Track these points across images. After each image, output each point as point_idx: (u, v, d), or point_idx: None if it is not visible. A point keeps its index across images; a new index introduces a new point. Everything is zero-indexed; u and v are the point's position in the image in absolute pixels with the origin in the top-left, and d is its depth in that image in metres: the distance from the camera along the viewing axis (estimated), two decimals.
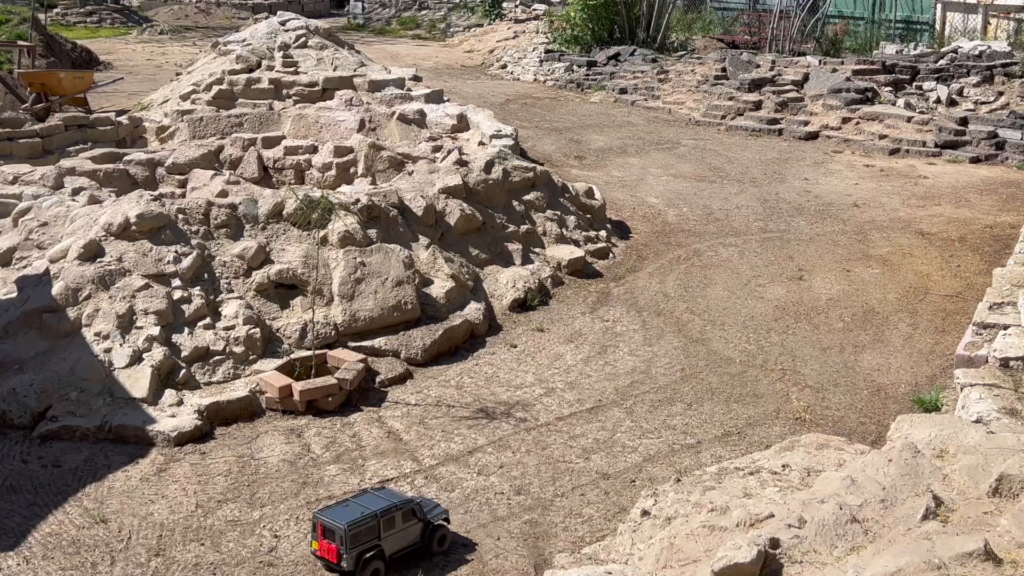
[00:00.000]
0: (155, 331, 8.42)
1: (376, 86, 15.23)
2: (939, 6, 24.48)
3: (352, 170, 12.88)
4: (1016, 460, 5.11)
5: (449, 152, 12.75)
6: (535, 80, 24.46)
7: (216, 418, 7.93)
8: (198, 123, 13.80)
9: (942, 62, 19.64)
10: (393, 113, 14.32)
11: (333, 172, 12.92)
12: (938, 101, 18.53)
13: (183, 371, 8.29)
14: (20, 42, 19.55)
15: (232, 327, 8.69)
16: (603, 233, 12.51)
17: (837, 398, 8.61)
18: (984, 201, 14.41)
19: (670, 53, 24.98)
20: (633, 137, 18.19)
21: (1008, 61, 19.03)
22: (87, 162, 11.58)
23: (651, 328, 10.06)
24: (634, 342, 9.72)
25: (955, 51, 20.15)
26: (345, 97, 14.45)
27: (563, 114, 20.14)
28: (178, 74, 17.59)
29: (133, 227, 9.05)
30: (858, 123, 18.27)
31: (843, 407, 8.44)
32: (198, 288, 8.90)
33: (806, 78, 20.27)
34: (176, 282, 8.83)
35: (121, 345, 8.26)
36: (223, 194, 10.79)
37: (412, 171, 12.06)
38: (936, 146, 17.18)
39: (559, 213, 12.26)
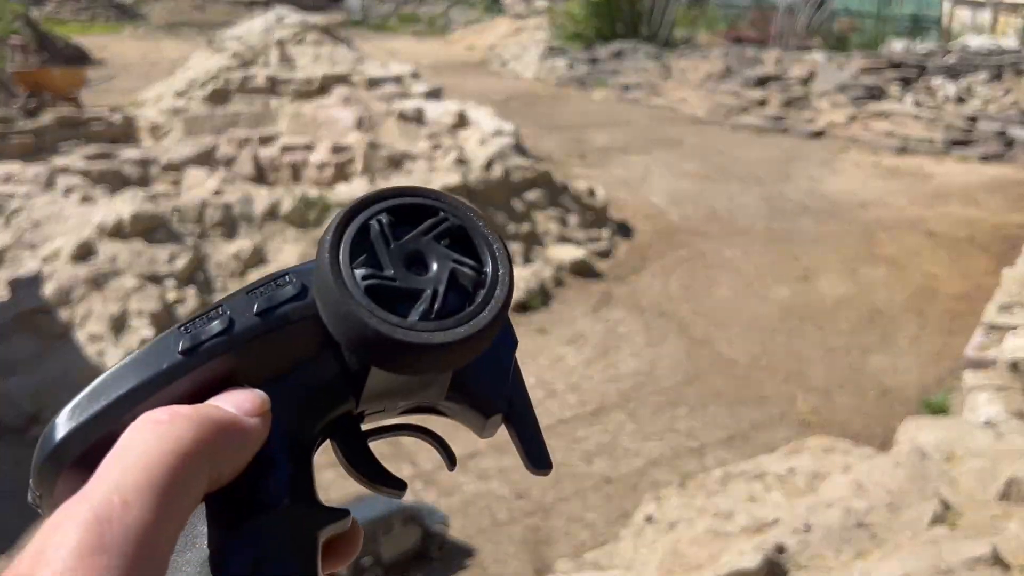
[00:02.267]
0: (149, 332, 8.30)
1: (374, 83, 15.10)
2: (947, 2, 24.32)
3: (350, 168, 12.75)
4: None
5: (449, 150, 12.62)
6: (536, 77, 24.31)
7: None
8: (192, 121, 13.68)
9: (950, 59, 19.47)
10: (392, 110, 14.17)
11: (330, 171, 12.79)
12: (946, 98, 18.36)
13: None
14: (12, 39, 19.44)
15: None
16: (605, 233, 12.38)
17: (843, 400, 8.47)
18: (993, 200, 14.26)
19: (674, 49, 24.83)
20: (636, 135, 18.05)
21: (1017, 58, 18.85)
22: (79, 160, 11.44)
23: (654, 329, 9.92)
24: (637, 344, 9.58)
25: (963, 48, 19.97)
26: (342, 94, 14.32)
27: (565, 112, 20.01)
28: (172, 71, 17.47)
29: (126, 227, 8.92)
30: (865, 121, 18.10)
31: (849, 410, 8.30)
32: (192, 288, 8.78)
33: (812, 75, 20.11)
34: (170, 282, 8.71)
35: (115, 346, 8.15)
36: (218, 193, 10.66)
37: (411, 170, 11.92)
38: (944, 144, 17.02)
39: (560, 212, 12.13)
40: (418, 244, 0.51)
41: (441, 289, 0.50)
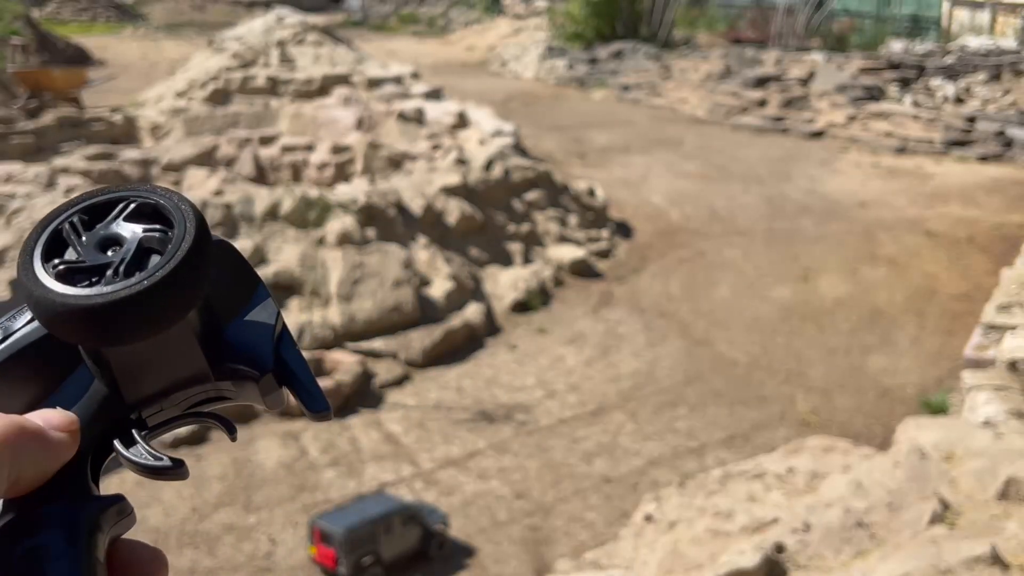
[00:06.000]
0: None
1: (374, 83, 15.10)
2: (946, 2, 24.32)
3: (350, 168, 12.76)
4: None
5: (449, 150, 12.62)
6: (536, 77, 24.28)
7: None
8: (193, 121, 13.68)
9: (949, 59, 19.48)
10: (392, 111, 14.18)
11: (330, 171, 12.79)
12: (945, 99, 18.36)
13: None
14: (13, 39, 19.43)
15: None
16: (605, 233, 12.38)
17: (843, 401, 8.47)
18: (992, 200, 14.25)
19: (673, 50, 24.83)
20: (636, 135, 18.04)
21: (1016, 59, 18.86)
22: (80, 161, 11.46)
23: (654, 330, 9.92)
24: (637, 344, 9.58)
25: (962, 48, 19.98)
26: (343, 94, 14.33)
27: (564, 112, 19.99)
28: (173, 71, 17.46)
29: None
30: (864, 121, 18.11)
31: (849, 410, 8.31)
32: None
33: (812, 75, 20.12)
34: None
35: None
36: (218, 193, 10.67)
37: (411, 169, 11.93)
38: (943, 144, 17.02)
39: (560, 212, 12.13)
40: (109, 230, 0.54)
41: (128, 256, 0.52)
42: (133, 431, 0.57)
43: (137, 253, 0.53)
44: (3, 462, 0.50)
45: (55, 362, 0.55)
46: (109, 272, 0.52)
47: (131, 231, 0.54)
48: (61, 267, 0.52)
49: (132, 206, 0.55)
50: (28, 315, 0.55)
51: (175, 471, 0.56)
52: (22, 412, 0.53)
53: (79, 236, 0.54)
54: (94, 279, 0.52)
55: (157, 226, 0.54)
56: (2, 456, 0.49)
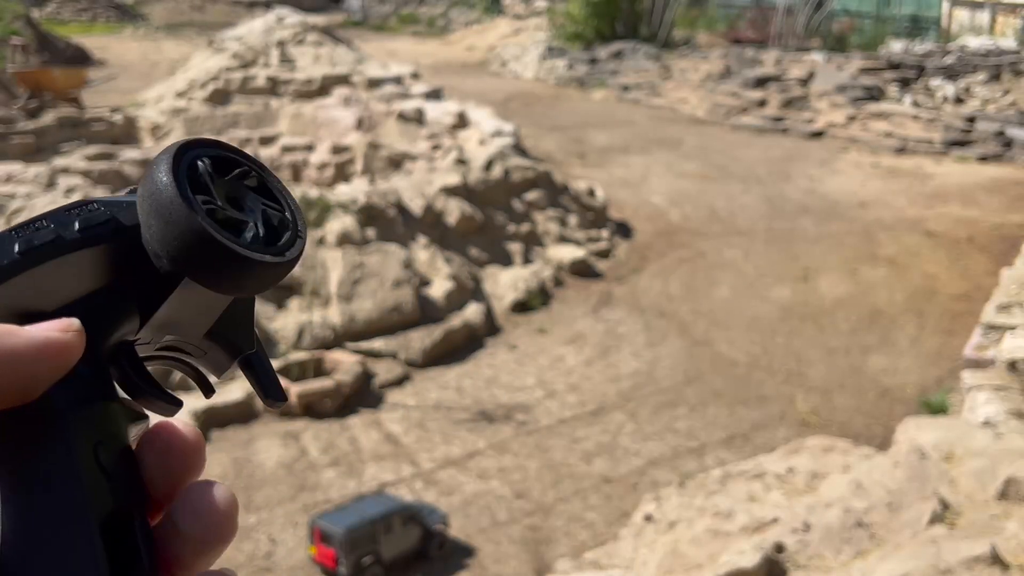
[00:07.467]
0: None
1: (374, 83, 15.10)
2: (946, 2, 24.33)
3: (350, 168, 12.77)
4: None
5: (449, 151, 12.63)
6: (536, 77, 24.29)
7: (212, 421, 7.82)
8: (193, 121, 13.69)
9: (949, 59, 19.48)
10: (392, 111, 14.18)
11: (330, 171, 12.80)
12: (945, 99, 18.37)
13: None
14: (13, 39, 19.42)
15: None
16: (605, 233, 12.39)
17: (843, 400, 8.48)
18: (992, 200, 14.26)
19: (673, 50, 24.84)
20: (636, 135, 18.05)
21: (1015, 59, 18.86)
22: (80, 161, 11.45)
23: (654, 330, 9.93)
24: (637, 344, 9.59)
25: (962, 48, 19.99)
26: (343, 94, 14.33)
27: (564, 112, 19.99)
28: (173, 71, 17.47)
29: None
30: (864, 121, 18.11)
31: (849, 410, 8.32)
32: None
33: (811, 75, 20.12)
34: None
35: None
36: None
37: (411, 169, 11.94)
38: (943, 144, 17.03)
39: (560, 212, 12.14)
40: (237, 188, 0.55)
41: (260, 222, 0.54)
42: (137, 355, 0.56)
43: (266, 223, 0.54)
44: None
45: (113, 264, 0.53)
46: (249, 233, 0.53)
47: (252, 200, 0.55)
48: (210, 207, 0.52)
49: (253, 175, 0.56)
50: (106, 214, 0.53)
51: (170, 404, 0.56)
52: (53, 309, 0.51)
53: (213, 181, 0.54)
54: (229, 231, 0.52)
55: (274, 205, 0.56)
56: None
